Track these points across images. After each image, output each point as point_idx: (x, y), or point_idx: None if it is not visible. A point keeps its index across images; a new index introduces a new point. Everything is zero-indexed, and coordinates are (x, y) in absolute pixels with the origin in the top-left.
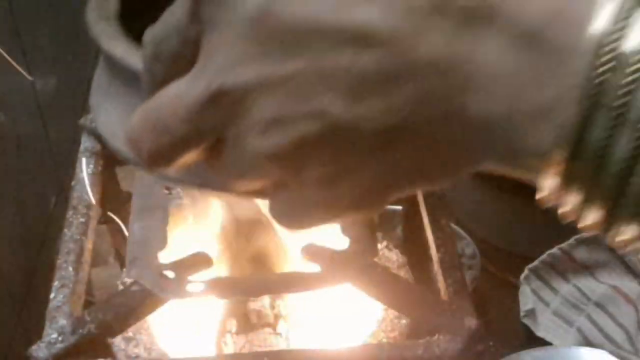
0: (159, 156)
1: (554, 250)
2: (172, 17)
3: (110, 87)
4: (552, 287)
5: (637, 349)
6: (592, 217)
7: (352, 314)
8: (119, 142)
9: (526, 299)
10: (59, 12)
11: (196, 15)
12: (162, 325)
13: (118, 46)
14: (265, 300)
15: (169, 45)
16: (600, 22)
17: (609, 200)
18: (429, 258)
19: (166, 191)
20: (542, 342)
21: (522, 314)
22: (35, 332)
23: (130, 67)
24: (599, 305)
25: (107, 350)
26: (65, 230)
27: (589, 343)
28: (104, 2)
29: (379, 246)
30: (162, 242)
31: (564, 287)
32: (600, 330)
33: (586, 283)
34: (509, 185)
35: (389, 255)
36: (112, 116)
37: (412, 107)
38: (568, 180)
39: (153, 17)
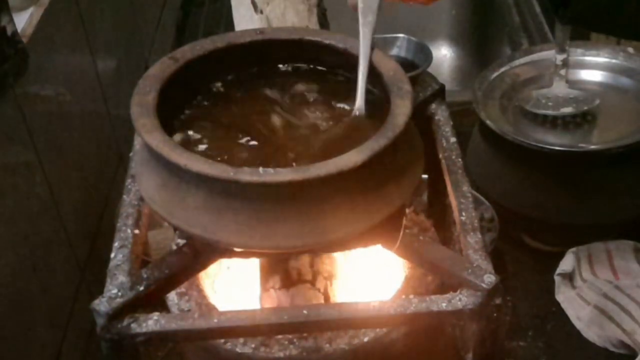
0: None
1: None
2: None
3: (149, 163)
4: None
5: None
6: None
7: (383, 272)
8: (155, 205)
9: (568, 261)
10: (119, 0)
11: None
12: (211, 281)
13: (155, 138)
14: (305, 259)
15: None
16: None
17: None
18: (452, 221)
19: None
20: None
21: (558, 270)
22: (97, 289)
23: (163, 155)
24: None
25: (162, 305)
26: (125, 196)
27: (606, 316)
28: (144, 97)
29: (407, 211)
30: None
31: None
32: (617, 303)
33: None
34: (523, 157)
35: (416, 219)
36: (151, 185)
37: None
38: None
39: (186, 108)
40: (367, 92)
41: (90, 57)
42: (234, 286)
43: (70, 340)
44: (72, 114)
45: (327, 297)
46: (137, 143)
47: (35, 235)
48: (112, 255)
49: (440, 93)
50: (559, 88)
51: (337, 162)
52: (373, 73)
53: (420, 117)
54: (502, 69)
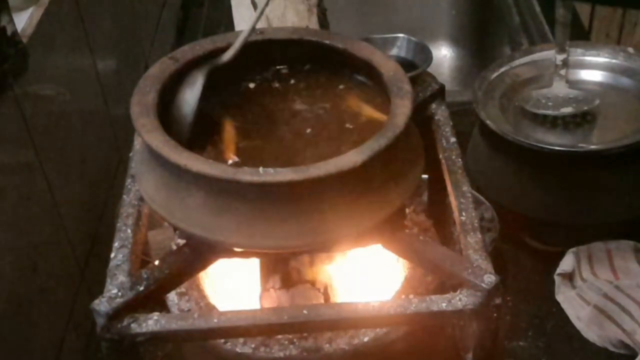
0: None
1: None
2: None
3: (149, 163)
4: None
5: None
6: None
7: (383, 272)
8: (155, 205)
9: (568, 262)
10: (119, 0)
11: None
12: (211, 281)
13: (155, 138)
14: (305, 259)
15: None
16: None
17: None
18: (452, 221)
19: None
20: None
21: (558, 270)
22: (97, 289)
23: (163, 155)
24: (619, 288)
25: (162, 305)
26: (125, 196)
27: (606, 316)
28: (144, 97)
29: (407, 211)
30: None
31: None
32: (616, 303)
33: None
34: (523, 157)
35: (416, 219)
36: (151, 184)
37: None
38: None
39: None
40: None
41: (90, 57)
42: (234, 286)
43: (70, 340)
44: (72, 114)
45: (327, 297)
46: (137, 143)
47: (35, 235)
48: (112, 255)
49: (440, 93)
50: (559, 88)
51: (337, 162)
52: (373, 73)
53: (420, 117)
54: (502, 69)
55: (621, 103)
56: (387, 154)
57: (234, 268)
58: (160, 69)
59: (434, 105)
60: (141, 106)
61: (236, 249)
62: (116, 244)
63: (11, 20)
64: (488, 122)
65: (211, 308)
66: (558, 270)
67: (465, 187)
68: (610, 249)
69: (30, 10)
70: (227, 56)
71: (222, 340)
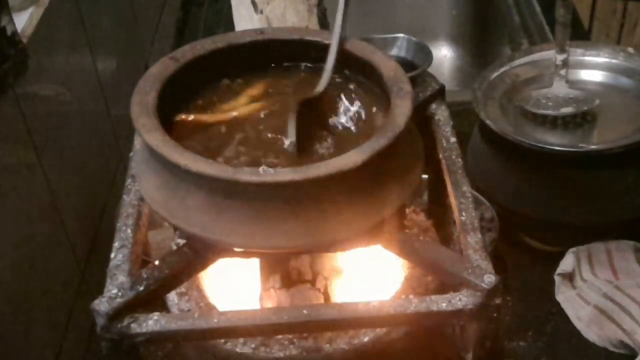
0: None
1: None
2: None
3: (149, 163)
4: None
5: None
6: None
7: (383, 272)
8: (155, 205)
9: (568, 262)
10: (119, 0)
11: None
12: (211, 281)
13: (155, 138)
14: (305, 259)
15: None
16: None
17: None
18: (451, 221)
19: None
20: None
21: (558, 270)
22: (97, 289)
23: (163, 155)
24: (619, 288)
25: (162, 305)
26: (125, 196)
27: (606, 316)
28: (144, 97)
29: (407, 211)
30: None
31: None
32: (617, 303)
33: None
34: (523, 157)
35: (416, 219)
36: (151, 184)
37: None
38: None
39: (186, 108)
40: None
41: (90, 57)
42: (234, 286)
43: (70, 340)
44: (72, 114)
45: (327, 297)
46: (137, 143)
47: (35, 235)
48: (112, 255)
49: (440, 93)
50: (559, 88)
51: (337, 162)
52: (374, 73)
53: (420, 117)
54: (502, 69)
55: (621, 103)
56: (387, 154)
57: (234, 268)
58: (160, 69)
59: (434, 105)
60: (141, 106)
61: (236, 249)
62: (116, 244)
63: (11, 20)
64: (488, 122)
65: (211, 308)
66: (558, 270)
67: (465, 187)
68: (610, 249)
69: (30, 10)
70: (320, 87)
71: (222, 340)
